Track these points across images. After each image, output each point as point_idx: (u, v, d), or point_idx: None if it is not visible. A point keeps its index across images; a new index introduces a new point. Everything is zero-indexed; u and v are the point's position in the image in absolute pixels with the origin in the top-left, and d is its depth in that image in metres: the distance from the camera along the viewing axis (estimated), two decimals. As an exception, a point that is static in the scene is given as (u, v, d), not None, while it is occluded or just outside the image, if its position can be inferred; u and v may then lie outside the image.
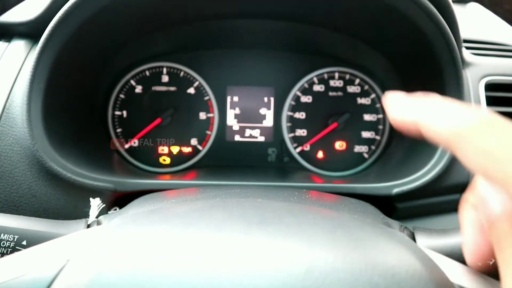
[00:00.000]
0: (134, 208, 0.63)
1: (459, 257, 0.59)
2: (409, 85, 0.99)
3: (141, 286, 0.34)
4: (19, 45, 0.88)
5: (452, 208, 0.92)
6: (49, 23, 0.79)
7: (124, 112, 1.09)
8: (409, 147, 0.98)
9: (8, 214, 0.63)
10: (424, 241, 0.61)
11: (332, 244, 0.40)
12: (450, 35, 0.81)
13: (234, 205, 0.50)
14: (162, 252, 0.37)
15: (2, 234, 0.60)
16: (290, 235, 0.41)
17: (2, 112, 0.80)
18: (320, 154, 1.12)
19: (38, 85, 0.78)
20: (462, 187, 0.90)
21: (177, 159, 1.11)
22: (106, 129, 1.08)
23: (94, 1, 0.79)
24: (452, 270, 0.42)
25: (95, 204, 0.68)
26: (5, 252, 0.58)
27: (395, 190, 0.85)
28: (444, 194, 0.90)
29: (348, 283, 0.34)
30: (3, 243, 0.59)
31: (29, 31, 0.87)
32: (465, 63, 0.96)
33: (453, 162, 0.87)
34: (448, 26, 0.82)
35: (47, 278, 0.38)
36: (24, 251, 0.44)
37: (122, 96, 1.09)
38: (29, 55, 0.86)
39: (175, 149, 1.10)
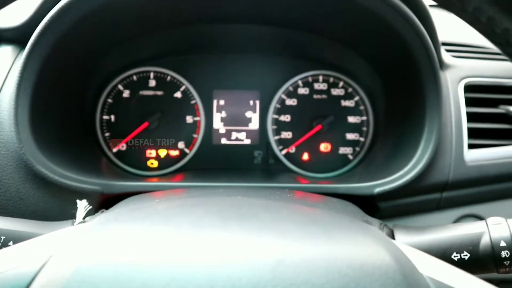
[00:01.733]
0: (119, 208, 0.65)
1: (436, 253, 0.61)
2: (391, 87, 1.02)
3: (122, 280, 0.35)
4: (6, 51, 0.89)
5: (433, 207, 0.95)
6: (35, 29, 0.81)
7: (112, 116, 1.10)
8: (392, 148, 1.01)
9: None
10: (403, 238, 0.63)
11: (304, 238, 0.41)
12: (427, 38, 0.84)
13: (213, 203, 0.52)
14: (142, 247, 0.39)
15: (-10, 236, 0.62)
16: (264, 229, 0.43)
17: (-11, 116, 0.81)
18: (305, 156, 1.14)
19: (25, 90, 0.79)
20: (441, 187, 0.92)
21: (165, 162, 1.12)
22: (94, 133, 1.09)
23: (79, 7, 0.81)
24: (424, 262, 0.43)
25: (82, 205, 0.69)
26: (-8, 252, 0.59)
27: (377, 190, 0.88)
28: (425, 193, 0.93)
29: (318, 274, 0.36)
30: (-9, 244, 0.60)
31: (16, 37, 0.89)
32: (444, 65, 0.99)
33: (433, 162, 0.89)
34: (425, 30, 0.84)
35: (30, 273, 0.39)
36: (7, 248, 0.45)
37: (109, 100, 1.10)
38: (16, 60, 0.87)
39: (162, 153, 1.12)
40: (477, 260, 0.61)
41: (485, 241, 0.63)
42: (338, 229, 0.46)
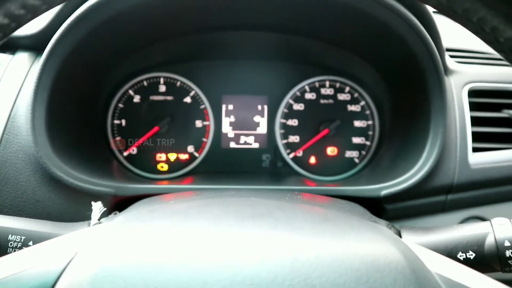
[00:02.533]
0: (135, 209, 0.67)
1: (442, 252, 0.63)
2: (396, 92, 1.04)
3: (145, 276, 0.37)
4: (23, 57, 0.92)
5: (438, 209, 0.97)
6: (52, 36, 0.83)
7: (123, 121, 1.13)
8: (397, 151, 1.03)
9: (14, 217, 0.67)
10: (410, 237, 0.65)
11: (318, 235, 0.43)
12: (432, 45, 0.86)
13: (229, 202, 0.54)
14: (164, 245, 0.41)
15: (10, 235, 0.64)
16: (279, 227, 0.45)
17: (7, 121, 0.84)
18: (312, 160, 1.16)
19: (41, 95, 0.82)
20: (447, 189, 0.94)
21: (175, 165, 1.14)
22: (105, 137, 1.12)
23: (94, 17, 0.83)
24: (431, 259, 0.45)
25: (97, 207, 0.72)
26: (13, 251, 0.61)
27: (384, 192, 0.90)
28: (430, 196, 0.94)
29: (332, 269, 0.38)
30: (11, 244, 0.62)
31: (32, 44, 0.92)
32: (448, 71, 1.01)
33: (438, 165, 0.91)
34: (430, 36, 0.87)
35: (56, 270, 0.40)
36: (32, 247, 0.46)
37: (120, 105, 1.13)
38: (32, 66, 0.90)
39: (172, 156, 1.14)
40: (482, 259, 0.63)
41: (490, 241, 0.65)
42: (349, 227, 0.48)
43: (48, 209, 0.83)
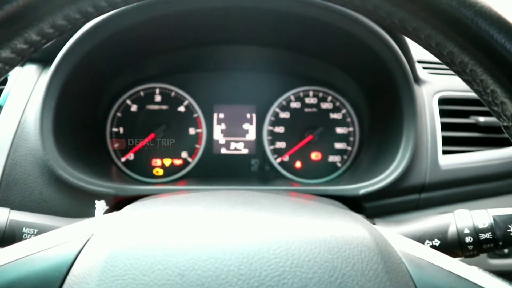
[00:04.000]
0: (139, 202, 0.74)
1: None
2: (373, 101, 1.14)
3: (156, 253, 0.41)
4: (31, 69, 1.00)
5: (413, 206, 1.05)
6: (58, 50, 0.92)
7: (121, 129, 1.21)
8: (375, 155, 1.12)
9: (26, 212, 0.74)
10: (383, 227, 0.73)
11: (297, 215, 0.51)
12: (402, 58, 0.96)
13: (222, 193, 0.62)
14: (170, 225, 0.46)
15: (24, 228, 0.71)
16: (264, 210, 0.52)
17: (17, 127, 0.92)
18: (298, 164, 1.24)
19: (49, 104, 0.90)
20: (419, 188, 1.03)
21: (169, 170, 1.22)
22: (105, 144, 1.19)
23: (98, 33, 0.92)
24: (396, 239, 0.50)
25: (100, 205, 0.79)
26: (27, 243, 0.68)
27: (362, 191, 0.98)
28: (405, 195, 1.03)
29: (308, 241, 0.43)
30: (25, 236, 0.69)
31: (40, 57, 1.00)
32: (420, 81, 1.10)
33: (411, 166, 1.00)
34: (401, 50, 0.97)
35: (74, 251, 0.43)
36: (49, 232, 0.49)
37: (119, 114, 1.21)
38: (40, 77, 0.98)
39: (167, 162, 1.22)
40: (445, 245, 0.72)
41: (452, 229, 0.74)
42: (325, 211, 0.55)
43: (54, 208, 0.90)
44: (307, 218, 0.50)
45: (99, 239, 0.44)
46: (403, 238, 0.51)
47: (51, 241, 0.44)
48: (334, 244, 0.43)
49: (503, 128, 0.45)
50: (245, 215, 0.50)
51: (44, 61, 1.00)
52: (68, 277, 0.40)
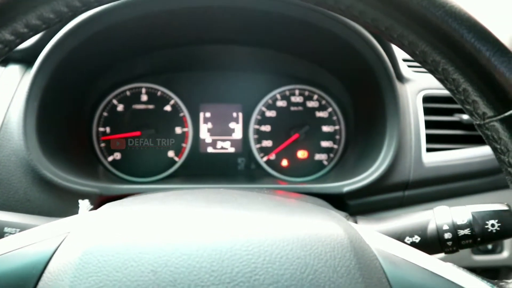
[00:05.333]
0: (117, 201, 0.74)
1: (392, 237, 0.72)
2: (358, 99, 1.15)
3: (130, 250, 0.41)
4: (14, 69, 1.00)
5: (397, 204, 1.07)
6: (41, 50, 0.92)
7: (107, 128, 1.21)
8: (360, 153, 1.13)
9: (9, 212, 0.74)
10: (364, 225, 0.74)
11: (273, 213, 0.52)
12: (384, 56, 0.97)
13: (200, 192, 0.62)
14: (145, 223, 0.47)
15: (5, 228, 0.71)
16: (240, 208, 0.53)
17: (0, 127, 0.91)
18: (284, 162, 1.25)
19: (32, 104, 0.90)
20: (403, 186, 1.04)
21: (156, 169, 1.22)
22: (91, 143, 1.19)
23: (81, 32, 0.92)
24: (372, 237, 0.50)
25: (84, 204, 0.79)
26: (8, 242, 0.68)
27: (346, 189, 0.99)
28: (389, 192, 1.04)
29: (281, 238, 0.45)
30: (6, 235, 0.69)
31: (23, 57, 1.00)
32: (404, 79, 1.11)
33: (395, 164, 1.01)
34: (383, 49, 0.98)
35: (50, 248, 0.43)
36: (26, 230, 0.49)
37: (105, 114, 1.21)
38: (23, 77, 0.98)
39: (154, 161, 1.22)
40: (425, 242, 0.73)
41: (432, 226, 0.75)
42: (302, 210, 0.56)
43: (38, 208, 0.91)
44: (282, 216, 0.50)
45: (75, 237, 0.44)
46: (380, 235, 0.52)
47: (29, 239, 0.45)
48: (307, 242, 0.44)
49: (476, 127, 0.46)
50: (220, 213, 0.51)
51: (27, 61, 1.00)
52: (43, 275, 0.41)
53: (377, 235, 0.51)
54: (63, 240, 0.44)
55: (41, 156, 0.90)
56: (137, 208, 0.54)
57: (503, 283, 0.46)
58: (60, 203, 0.92)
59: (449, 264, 0.47)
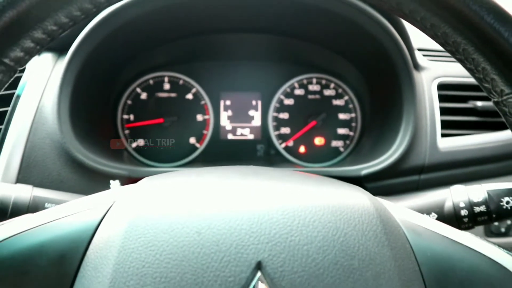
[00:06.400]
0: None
1: None
2: (374, 87, 1.18)
3: (175, 214, 0.44)
4: (47, 57, 1.05)
5: (413, 187, 1.10)
6: (72, 39, 0.96)
7: (131, 116, 1.25)
8: (376, 139, 1.17)
9: (49, 189, 0.79)
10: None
11: (304, 184, 0.55)
12: (401, 43, 1.00)
13: (233, 167, 0.66)
14: (187, 191, 0.49)
15: (46, 203, 0.76)
16: (273, 179, 0.57)
17: (35, 112, 0.96)
18: (302, 149, 1.29)
19: (66, 89, 0.95)
20: (419, 169, 1.07)
21: (178, 155, 1.26)
22: (116, 130, 1.24)
23: (110, 23, 0.97)
24: (396, 208, 0.53)
25: (115, 184, 0.84)
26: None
27: (364, 172, 1.03)
28: (405, 175, 1.07)
29: (315, 204, 0.46)
30: (48, 210, 0.74)
31: (55, 46, 1.05)
32: (420, 67, 1.14)
33: (411, 148, 1.05)
34: (400, 36, 1.01)
35: (98, 214, 0.45)
36: (71, 201, 0.50)
37: (129, 102, 1.25)
38: (56, 65, 1.03)
39: (176, 147, 1.26)
40: (442, 218, 0.76)
41: (448, 203, 0.79)
42: (330, 182, 0.60)
43: (71, 188, 0.95)
44: (313, 187, 0.53)
45: (122, 204, 0.46)
46: (401, 207, 0.54)
47: (76, 208, 0.47)
48: (337, 208, 0.47)
49: (493, 104, 0.49)
50: (255, 183, 0.54)
51: (58, 50, 1.05)
52: (94, 237, 0.43)
53: (399, 207, 0.54)
54: (110, 207, 0.46)
55: (73, 139, 0.95)
56: (177, 180, 0.57)
57: None
58: (91, 184, 0.96)
59: (467, 233, 0.50)
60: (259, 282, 0.40)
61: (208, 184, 0.53)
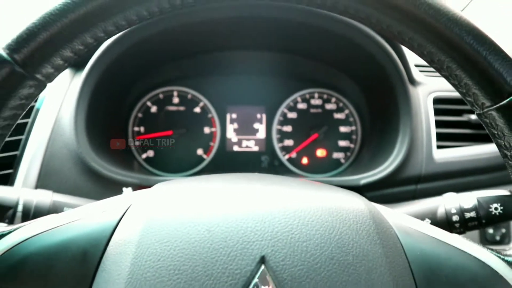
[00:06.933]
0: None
1: None
2: (373, 102, 1.24)
3: (187, 214, 0.47)
4: (65, 73, 1.11)
5: (410, 197, 1.14)
6: (88, 57, 1.03)
7: (142, 128, 1.31)
8: (375, 150, 1.22)
9: (67, 195, 0.84)
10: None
11: (305, 189, 0.59)
12: (397, 61, 1.06)
13: (239, 174, 0.71)
14: (197, 194, 0.52)
15: (64, 208, 0.82)
16: (275, 184, 0.61)
17: (54, 123, 1.03)
18: (304, 160, 1.34)
19: (83, 102, 1.01)
20: (416, 179, 1.12)
21: (186, 166, 1.31)
22: (127, 141, 1.30)
23: (125, 41, 1.04)
24: (388, 212, 0.56)
25: (128, 191, 0.89)
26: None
27: (363, 181, 1.08)
28: (402, 185, 1.12)
29: (313, 207, 0.50)
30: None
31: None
32: (416, 82, 1.20)
33: (407, 159, 1.10)
34: (397, 55, 1.07)
35: (117, 215, 0.48)
36: (92, 203, 0.53)
37: (140, 115, 1.31)
38: (73, 80, 1.10)
39: (184, 158, 1.32)
40: (435, 224, 0.80)
41: (441, 210, 0.84)
42: (327, 187, 0.64)
43: (86, 195, 1.00)
44: (313, 191, 0.56)
45: (138, 206, 0.50)
46: (394, 211, 0.57)
47: (96, 209, 0.51)
48: (333, 209, 0.51)
49: (476, 116, 0.54)
50: (260, 187, 0.57)
51: (75, 66, 1.12)
52: (114, 235, 0.47)
53: (392, 211, 0.57)
54: (127, 208, 0.50)
55: (89, 149, 1.01)
56: (188, 185, 0.61)
57: (502, 250, 0.52)
58: (105, 191, 1.02)
59: (455, 235, 0.54)
60: (264, 276, 0.44)
61: (217, 188, 0.56)
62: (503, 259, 0.50)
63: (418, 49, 0.52)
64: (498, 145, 0.52)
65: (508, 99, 0.47)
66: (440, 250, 0.51)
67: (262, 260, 0.45)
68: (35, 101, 1.06)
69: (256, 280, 0.44)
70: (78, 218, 0.49)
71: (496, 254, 0.51)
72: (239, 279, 0.43)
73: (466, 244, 0.52)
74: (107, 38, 0.50)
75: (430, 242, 0.51)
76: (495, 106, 0.49)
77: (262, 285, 0.44)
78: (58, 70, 0.49)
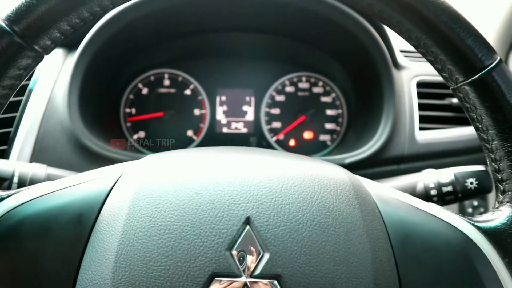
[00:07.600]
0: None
1: None
2: (359, 85, 1.28)
3: (177, 179, 0.49)
4: (58, 53, 1.14)
5: (393, 176, 1.19)
6: (82, 36, 1.05)
7: (133, 109, 1.34)
8: (359, 132, 1.26)
9: (62, 169, 0.87)
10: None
11: (288, 157, 0.62)
12: (382, 45, 1.10)
13: (229, 147, 0.74)
14: (186, 161, 0.53)
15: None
16: (262, 153, 0.63)
17: (48, 102, 1.05)
18: (292, 142, 1.37)
19: (76, 81, 1.04)
20: (398, 159, 1.16)
21: (176, 147, 1.33)
22: (118, 123, 1.33)
23: (117, 22, 1.06)
24: (368, 181, 0.57)
25: (120, 167, 0.92)
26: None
27: (347, 160, 1.12)
28: (385, 165, 1.16)
29: (297, 172, 0.54)
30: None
31: (65, 43, 1.13)
32: (400, 66, 1.24)
33: (391, 140, 1.14)
34: (382, 39, 1.11)
35: (110, 182, 0.50)
36: (84, 172, 0.55)
37: (131, 96, 1.34)
38: (66, 59, 1.12)
39: (174, 139, 1.34)
40: None
41: (420, 185, 0.88)
42: (311, 158, 0.68)
43: (79, 171, 1.03)
44: (296, 160, 0.60)
45: (130, 173, 0.52)
46: (374, 182, 0.60)
47: (91, 176, 0.53)
48: (315, 176, 0.54)
49: (451, 91, 0.57)
50: (246, 155, 0.61)
51: (68, 46, 1.14)
52: (108, 199, 0.49)
53: (371, 181, 0.60)
54: (120, 176, 0.52)
55: (82, 127, 1.04)
56: (178, 155, 0.64)
57: (474, 217, 0.56)
58: (97, 168, 1.04)
59: (430, 203, 0.57)
60: (249, 235, 0.47)
61: (205, 157, 0.59)
62: (473, 225, 0.53)
63: (397, 27, 0.55)
64: (471, 118, 0.56)
65: (479, 74, 0.51)
66: (416, 216, 0.54)
67: (247, 221, 0.48)
68: (29, 79, 1.08)
69: (241, 238, 0.47)
70: (73, 184, 0.51)
71: (468, 220, 0.54)
72: (226, 238, 0.46)
73: (441, 212, 0.55)
74: (103, 13, 0.52)
75: (406, 209, 0.55)
76: (467, 81, 0.52)
77: (247, 244, 0.47)
78: (55, 42, 0.51)
